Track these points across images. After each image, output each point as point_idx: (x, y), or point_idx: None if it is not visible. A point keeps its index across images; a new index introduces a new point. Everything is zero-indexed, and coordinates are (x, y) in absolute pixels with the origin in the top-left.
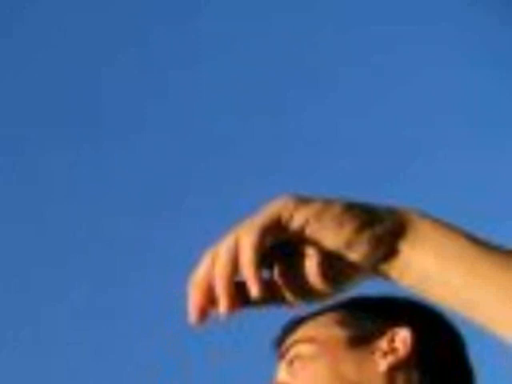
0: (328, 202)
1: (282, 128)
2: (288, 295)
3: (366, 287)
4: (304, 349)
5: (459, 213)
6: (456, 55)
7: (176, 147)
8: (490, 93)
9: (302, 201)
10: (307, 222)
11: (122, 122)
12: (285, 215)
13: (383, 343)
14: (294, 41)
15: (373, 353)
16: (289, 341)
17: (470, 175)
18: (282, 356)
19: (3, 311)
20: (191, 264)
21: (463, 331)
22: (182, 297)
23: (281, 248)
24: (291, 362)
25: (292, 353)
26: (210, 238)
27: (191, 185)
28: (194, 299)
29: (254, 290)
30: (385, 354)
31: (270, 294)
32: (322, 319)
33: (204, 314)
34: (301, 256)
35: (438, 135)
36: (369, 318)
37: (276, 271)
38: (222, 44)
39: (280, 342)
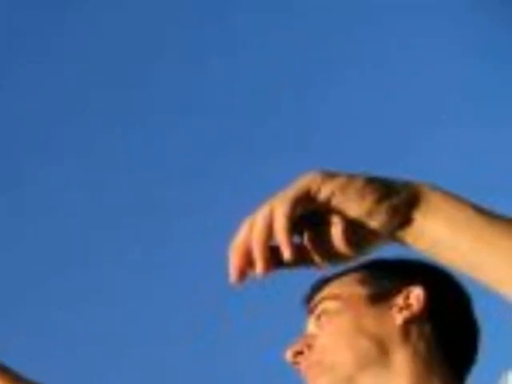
0: (351, 177)
1: (309, 112)
2: (316, 258)
3: (384, 251)
4: (330, 305)
5: (465, 184)
6: (459, 47)
7: (217, 125)
8: (486, 78)
9: (329, 175)
10: (333, 194)
11: (172, 101)
12: (313, 188)
13: (399, 300)
14: (318, 34)
15: (390, 308)
16: (317, 298)
17: (473, 151)
18: (311, 311)
19: (69, 267)
20: (232, 230)
21: (469, 289)
22: (225, 259)
23: (310, 217)
24: (319, 317)
25: (320, 308)
26: (248, 208)
27: (234, 160)
28: (234, 261)
29: (287, 254)
30: (400, 309)
31: (300, 257)
32: (346, 279)
33: (243, 274)
34: (327, 224)
35: (443, 115)
36: (387, 277)
37: (305, 237)
38: (256, 35)
39: (309, 299)
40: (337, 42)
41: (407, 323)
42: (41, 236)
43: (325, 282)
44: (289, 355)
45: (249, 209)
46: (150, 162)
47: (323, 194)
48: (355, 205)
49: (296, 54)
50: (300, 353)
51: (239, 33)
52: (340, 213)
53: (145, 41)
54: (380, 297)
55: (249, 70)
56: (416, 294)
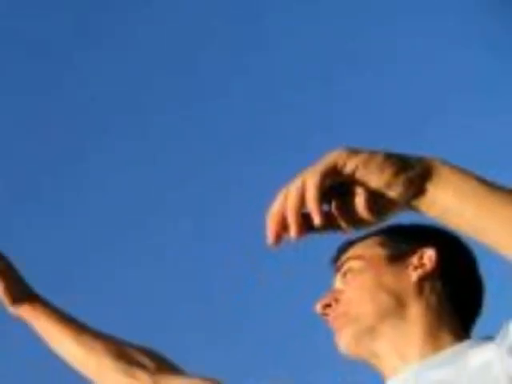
0: (372, 153)
1: (333, 98)
2: (342, 224)
3: (401, 217)
4: (354, 264)
5: (469, 159)
6: (463, 41)
7: (256, 111)
8: (487, 69)
9: (353, 152)
10: (357, 168)
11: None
12: (339, 163)
13: (414, 260)
14: (340, 31)
15: (406, 267)
16: (343, 258)
17: (476, 130)
18: (337, 270)
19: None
20: (270, 199)
21: (475, 250)
22: (263, 224)
23: (337, 188)
24: (345, 274)
25: (345, 267)
26: (282, 180)
27: (273, 139)
28: (270, 226)
29: (317, 220)
30: (415, 268)
31: (329, 223)
32: (368, 241)
33: (278, 237)
34: (352, 194)
35: (449, 101)
36: (403, 240)
37: (333, 205)
38: (285, 34)
39: (336, 259)
40: (357, 38)
41: (421, 280)
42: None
43: (350, 244)
44: (318, 308)
45: (283, 181)
46: (198, 143)
47: (348, 167)
48: (376, 177)
49: (322, 49)
50: (328, 305)
51: (271, 30)
52: (363, 184)
53: (192, 35)
54: (397, 257)
55: (281, 62)
56: (429, 255)
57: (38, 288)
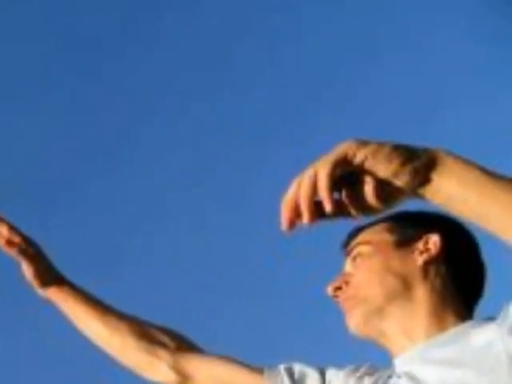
0: (381, 144)
1: (349, 87)
2: (352, 211)
3: (407, 205)
4: (363, 249)
5: (471, 147)
6: (470, 36)
7: (285, 97)
8: (492, 60)
9: (362, 143)
10: (366, 158)
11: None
12: (349, 153)
13: (420, 245)
14: (360, 26)
15: (412, 252)
16: (353, 243)
17: (482, 114)
18: (347, 254)
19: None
20: (285, 187)
21: (477, 236)
22: (277, 212)
23: (347, 177)
24: (354, 259)
25: (355, 252)
26: (312, 158)
27: (290, 131)
28: (284, 213)
29: (328, 207)
30: (421, 252)
31: (339, 210)
32: (376, 228)
33: (292, 224)
34: (361, 183)
35: (455, 89)
36: (409, 226)
37: (343, 194)
38: (312, 26)
39: (346, 244)
40: (374, 33)
41: (426, 264)
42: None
43: (359, 230)
44: (330, 290)
45: (298, 170)
46: (225, 133)
47: (358, 158)
48: (384, 167)
49: (345, 39)
50: (339, 288)
51: (303, 22)
52: (371, 174)
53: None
54: (404, 242)
55: (311, 50)
56: (434, 240)
57: (66, 272)
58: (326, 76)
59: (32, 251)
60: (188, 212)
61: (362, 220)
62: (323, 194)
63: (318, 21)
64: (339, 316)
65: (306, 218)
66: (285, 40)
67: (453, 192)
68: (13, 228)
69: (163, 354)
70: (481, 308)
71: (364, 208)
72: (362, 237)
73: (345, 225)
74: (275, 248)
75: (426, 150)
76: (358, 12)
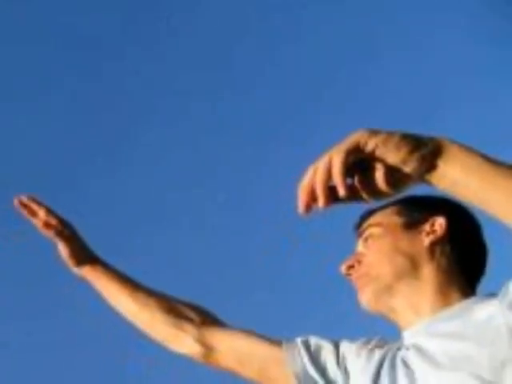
0: (390, 133)
1: (355, 84)
2: (364, 195)
3: (415, 190)
4: (374, 230)
5: (474, 137)
6: (471, 36)
7: (288, 95)
8: (492, 59)
9: (373, 132)
10: (377, 146)
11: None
12: (361, 142)
13: (427, 226)
14: (362, 27)
15: (420, 233)
16: (364, 225)
17: (482, 110)
18: (359, 235)
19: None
20: (301, 174)
21: (480, 218)
22: (294, 196)
23: (359, 164)
24: (366, 239)
25: (366, 233)
26: (312, 157)
27: (301, 123)
28: (301, 198)
29: (342, 192)
30: (428, 233)
31: (352, 195)
32: (386, 211)
33: (308, 207)
34: (372, 169)
35: (457, 87)
36: (417, 210)
37: (356, 179)
38: (314, 25)
39: (358, 226)
40: (376, 33)
41: (432, 244)
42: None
43: (370, 213)
44: (343, 268)
45: (313, 158)
46: (235, 125)
47: (369, 146)
48: (393, 155)
49: (344, 43)
50: (351, 267)
51: (303, 22)
52: (381, 161)
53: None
54: (412, 224)
55: (311, 50)
56: (439, 223)
57: (99, 251)
58: (326, 76)
59: (67, 233)
60: (188, 211)
61: (372, 204)
62: (337, 180)
63: (318, 21)
64: (352, 293)
65: (321, 201)
66: (285, 40)
67: (457, 178)
68: (50, 211)
69: (189, 327)
70: (483, 285)
71: (375, 192)
72: (373, 219)
73: (357, 208)
74: (293, 230)
75: (432, 139)
76: (358, 12)
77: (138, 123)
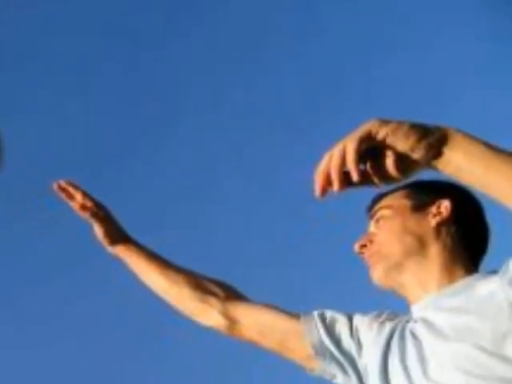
0: (400, 123)
1: (371, 78)
2: (375, 180)
3: (422, 175)
4: (385, 212)
5: (478, 126)
6: (474, 33)
7: (312, 86)
8: (494, 56)
9: (384, 122)
10: (387, 135)
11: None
12: (373, 131)
13: (433, 209)
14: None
15: (427, 215)
16: (376, 207)
17: (484, 101)
18: (371, 217)
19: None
20: (317, 160)
21: (482, 201)
22: (311, 180)
23: (371, 151)
24: (377, 221)
25: (378, 215)
26: (328, 145)
27: (320, 114)
28: (317, 181)
29: (355, 177)
30: (434, 215)
31: (364, 179)
32: (396, 194)
33: (324, 191)
34: (383, 156)
35: (462, 81)
36: (424, 193)
37: (368, 165)
38: (333, 22)
39: (370, 208)
40: (389, 32)
41: (439, 225)
42: None
43: (381, 196)
44: (356, 247)
45: (329, 145)
46: (258, 115)
47: (380, 135)
48: (402, 143)
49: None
50: (364, 246)
51: (322, 20)
52: (392, 148)
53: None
54: (420, 207)
55: (330, 45)
56: (445, 205)
57: (132, 231)
58: (343, 71)
59: (102, 214)
60: (218, 190)
61: (383, 188)
62: (351, 166)
63: (336, 19)
64: (364, 270)
65: (336, 185)
66: (308, 35)
67: (461, 164)
68: (86, 194)
69: (214, 302)
70: (485, 263)
71: (385, 177)
72: (383, 202)
73: (369, 192)
74: (311, 212)
75: (438, 128)
76: (373, 12)
77: (176, 109)
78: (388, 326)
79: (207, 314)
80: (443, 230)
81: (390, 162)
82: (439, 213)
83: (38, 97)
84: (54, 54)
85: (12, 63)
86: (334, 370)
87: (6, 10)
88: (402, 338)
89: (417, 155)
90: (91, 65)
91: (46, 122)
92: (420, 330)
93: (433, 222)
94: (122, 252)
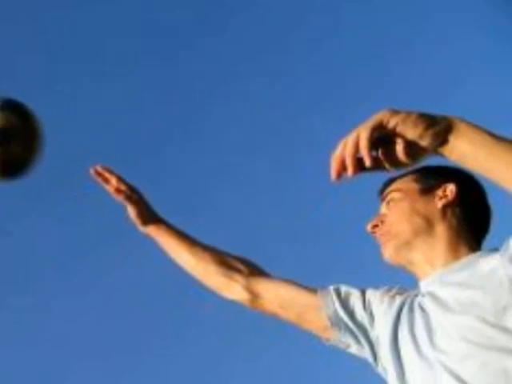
0: (409, 113)
1: (388, 70)
2: (386, 165)
3: (430, 161)
4: (395, 195)
5: (482, 116)
6: (477, 30)
7: (331, 78)
8: (496, 52)
9: (395, 111)
10: (397, 124)
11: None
12: (384, 120)
13: (440, 192)
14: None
15: (434, 197)
16: (387, 190)
17: (485, 92)
18: (383, 199)
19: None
20: (334, 147)
21: (485, 185)
22: (328, 165)
23: (382, 138)
24: (388, 203)
25: (389, 197)
26: (343, 133)
27: (335, 104)
28: (333, 167)
29: (367, 162)
30: (440, 198)
31: (376, 165)
32: (405, 178)
33: (339, 175)
34: (393, 143)
35: (467, 72)
36: (432, 177)
37: (380, 152)
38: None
39: (382, 191)
40: (404, 33)
41: (444, 207)
42: None
43: (392, 180)
44: (369, 227)
45: (344, 134)
46: (281, 103)
47: (391, 123)
48: (411, 131)
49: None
50: (376, 226)
51: (342, 18)
52: (401, 136)
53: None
54: (427, 190)
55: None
56: (450, 188)
57: (162, 212)
58: (362, 62)
59: (135, 197)
60: (246, 174)
61: (394, 172)
62: (364, 152)
63: (355, 18)
64: (376, 248)
65: (350, 170)
66: (328, 32)
67: (465, 151)
68: (120, 178)
69: (238, 277)
70: (487, 241)
71: (396, 163)
72: (394, 186)
73: (380, 176)
74: (328, 195)
75: (444, 117)
76: (390, 12)
77: (207, 99)
78: (398, 300)
79: (231, 288)
80: (449, 211)
81: (399, 148)
82: (445, 195)
83: (81, 86)
84: (99, 49)
85: (60, 55)
86: (348, 339)
87: (59, 11)
88: (411, 310)
89: (424, 143)
90: (132, 59)
91: (88, 112)
92: (427, 303)
93: (439, 204)
94: (153, 231)
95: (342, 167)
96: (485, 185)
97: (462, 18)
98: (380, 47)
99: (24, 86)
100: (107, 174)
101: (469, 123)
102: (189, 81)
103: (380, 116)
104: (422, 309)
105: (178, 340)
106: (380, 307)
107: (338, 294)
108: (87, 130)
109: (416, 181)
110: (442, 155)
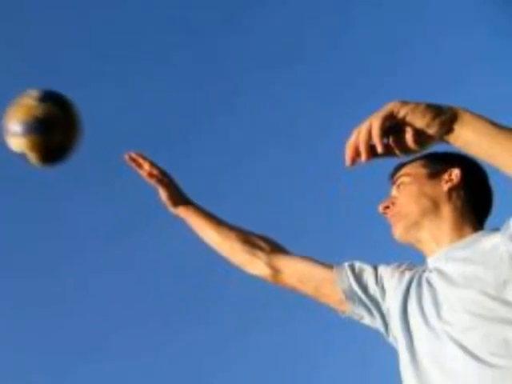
0: (417, 103)
1: (394, 64)
2: (397, 152)
3: (436, 147)
4: (405, 179)
5: (483, 106)
6: (478, 27)
7: (348, 71)
8: (497, 48)
9: (404, 103)
10: (407, 113)
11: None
12: (395, 110)
13: (446, 176)
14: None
15: (440, 181)
16: (397, 175)
17: (484, 89)
18: (393, 183)
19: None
20: (348, 134)
21: (487, 170)
22: (343, 152)
23: (393, 127)
24: (398, 186)
25: (399, 181)
26: (357, 122)
27: (349, 93)
28: (348, 153)
29: (379, 149)
30: (446, 181)
31: (387, 151)
32: (414, 163)
33: (353, 161)
34: (403, 131)
35: (466, 69)
36: (438, 162)
37: (390, 139)
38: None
39: (393, 175)
40: (404, 34)
41: (450, 190)
42: None
43: (402, 165)
44: (380, 208)
45: (358, 123)
46: (300, 95)
47: (401, 113)
48: (419, 120)
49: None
50: (387, 207)
51: (354, 17)
52: (410, 125)
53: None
54: (434, 174)
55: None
56: (455, 173)
57: (191, 194)
58: (375, 58)
59: (166, 180)
60: (273, 158)
61: (403, 158)
62: (376, 140)
63: (366, 16)
64: (387, 227)
65: (363, 156)
66: (342, 30)
67: (469, 139)
68: (152, 163)
69: (261, 254)
70: (489, 221)
71: (405, 150)
72: (403, 170)
73: (391, 162)
74: (343, 179)
75: (450, 108)
76: (395, 13)
77: (233, 89)
78: (407, 275)
79: (254, 264)
80: (454, 193)
81: (409, 136)
82: (451, 179)
83: (119, 80)
84: (137, 45)
85: (99, 51)
86: (361, 311)
87: (99, 10)
88: (419, 284)
89: (432, 131)
90: (165, 54)
91: (124, 101)
92: (434, 278)
93: (445, 187)
94: (182, 212)
95: (356, 153)
96: (487, 169)
97: (462, 17)
98: (383, 46)
99: (65, 77)
100: (141, 160)
101: (473, 113)
102: (217, 71)
103: (391, 106)
104: (430, 283)
105: (206, 311)
106: (391, 282)
107: (353, 269)
108: (124, 120)
109: (424, 166)
110: (447, 142)
